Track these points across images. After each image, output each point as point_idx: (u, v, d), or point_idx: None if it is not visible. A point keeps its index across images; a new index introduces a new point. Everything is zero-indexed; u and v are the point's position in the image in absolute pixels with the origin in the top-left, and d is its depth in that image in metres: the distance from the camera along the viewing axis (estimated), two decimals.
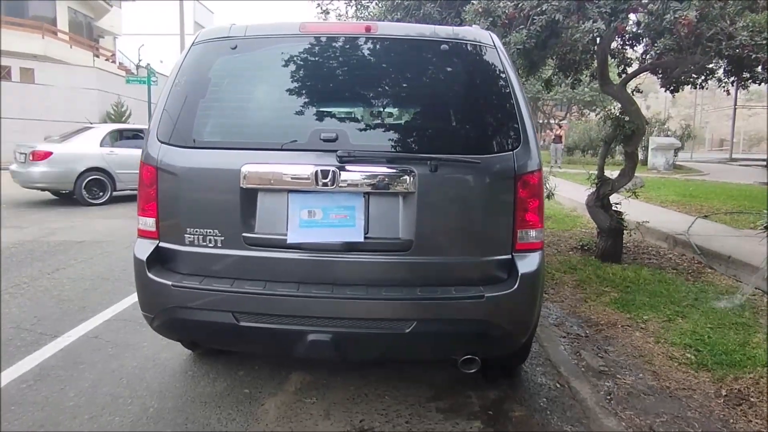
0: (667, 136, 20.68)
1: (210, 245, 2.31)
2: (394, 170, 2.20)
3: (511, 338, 2.33)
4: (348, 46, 2.42)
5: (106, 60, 25.85)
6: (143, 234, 2.46)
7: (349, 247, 2.22)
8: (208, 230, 2.30)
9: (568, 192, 10.44)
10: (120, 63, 29.32)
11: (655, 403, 2.84)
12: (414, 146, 2.28)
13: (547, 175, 8.65)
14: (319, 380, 3.02)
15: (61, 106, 18.57)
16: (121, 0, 29.94)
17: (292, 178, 2.23)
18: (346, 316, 2.18)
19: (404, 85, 2.47)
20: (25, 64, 19.16)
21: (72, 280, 4.94)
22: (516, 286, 2.20)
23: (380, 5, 5.30)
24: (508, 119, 2.29)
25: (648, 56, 5.96)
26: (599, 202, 5.80)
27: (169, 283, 2.28)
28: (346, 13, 5.57)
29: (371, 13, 5.45)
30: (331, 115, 2.34)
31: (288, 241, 2.20)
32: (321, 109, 2.34)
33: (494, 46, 2.40)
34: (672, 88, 6.34)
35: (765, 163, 20.16)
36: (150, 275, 2.32)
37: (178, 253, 2.36)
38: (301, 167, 2.20)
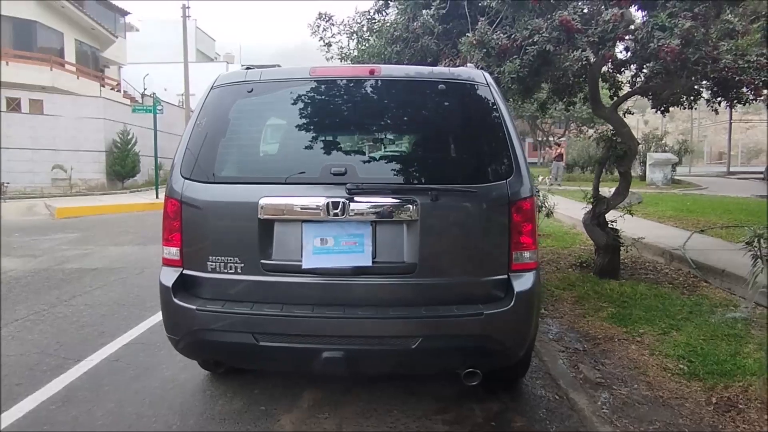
0: (665, 151, 20.96)
1: (231, 272, 2.52)
2: (398, 200, 2.42)
3: (509, 351, 2.52)
4: (354, 88, 2.67)
5: (112, 89, 26.41)
6: (168, 262, 2.67)
7: (359, 271, 2.43)
8: (229, 258, 2.51)
9: (567, 210, 10.66)
10: (125, 92, 29.91)
11: (649, 412, 3.00)
12: (416, 178, 2.52)
13: (547, 193, 8.90)
14: (331, 396, 3.20)
15: (68, 135, 18.98)
16: (126, 30, 30.70)
17: (305, 209, 2.45)
18: (357, 335, 2.39)
19: (406, 121, 2.71)
20: (34, 95, 19.63)
21: (89, 307, 5.14)
22: (512, 304, 2.40)
23: (380, 38, 5.58)
24: (501, 150, 2.51)
25: (638, 80, 6.25)
26: (596, 221, 6.01)
27: (194, 307, 2.48)
28: (348, 45, 5.86)
29: (372, 46, 5.73)
30: (340, 151, 2.58)
31: (303, 267, 2.41)
32: (331, 146, 2.59)
33: (487, 83, 2.64)
34: (662, 108, 6.61)
35: (762, 176, 20.38)
36: (176, 300, 2.53)
37: (200, 279, 2.57)
38: (313, 199, 2.43)
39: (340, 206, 2.39)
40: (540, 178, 20.77)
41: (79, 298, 5.45)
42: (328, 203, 2.40)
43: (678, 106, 6.92)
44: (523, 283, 2.47)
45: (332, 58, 6.06)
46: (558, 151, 22.57)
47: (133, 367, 3.68)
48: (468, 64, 2.85)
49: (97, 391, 3.31)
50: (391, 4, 5.53)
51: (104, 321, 4.71)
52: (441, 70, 2.71)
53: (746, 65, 5.08)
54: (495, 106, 2.57)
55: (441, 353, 2.43)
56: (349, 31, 5.55)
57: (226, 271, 2.52)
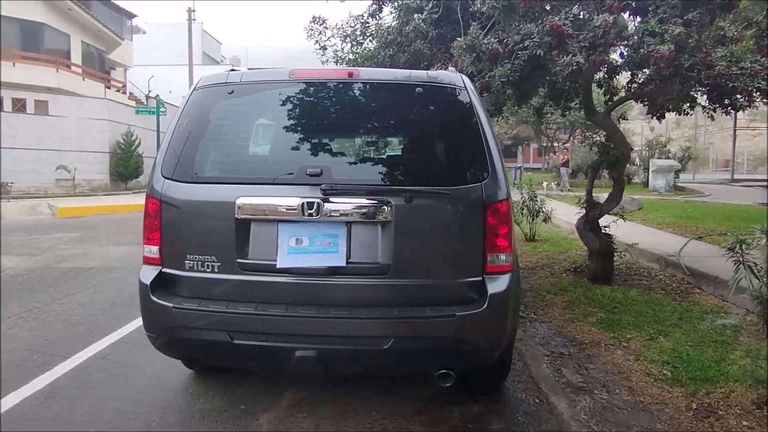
0: (668, 158, 20.89)
1: (208, 270, 2.54)
2: (373, 201, 2.44)
3: (483, 354, 2.53)
4: (332, 90, 2.70)
5: (117, 91, 26.62)
6: (148, 261, 2.71)
7: (333, 272, 2.45)
8: (206, 257, 2.54)
9: (567, 215, 10.63)
10: (130, 93, 30.13)
11: (628, 417, 3.00)
12: (391, 179, 2.54)
13: (544, 198, 8.91)
14: (312, 396, 3.21)
15: (73, 136, 19.13)
16: (132, 33, 30.96)
17: (281, 209, 2.48)
18: (329, 334, 2.41)
19: (383, 124, 2.74)
20: (40, 96, 19.83)
21: (82, 305, 5.18)
22: (485, 306, 2.41)
23: (373, 42, 5.61)
24: (477, 153, 2.53)
25: (633, 86, 6.26)
26: (588, 225, 6.00)
27: (170, 305, 2.51)
28: (342, 49, 5.90)
29: (365, 49, 5.77)
30: (317, 152, 2.61)
31: (277, 266, 2.44)
32: (308, 147, 2.61)
33: (465, 87, 2.66)
34: (658, 114, 6.61)
35: (766, 183, 20.26)
36: (153, 298, 2.56)
37: (179, 277, 2.60)
38: (289, 199, 2.45)
39: (315, 206, 2.41)
40: (545, 184, 20.79)
41: (72, 297, 5.49)
42: (303, 203, 2.42)
43: (674, 113, 6.93)
44: (497, 285, 2.48)
45: (327, 61, 6.11)
46: (565, 157, 22.52)
47: (119, 364, 3.71)
48: (450, 68, 2.87)
49: (82, 388, 3.34)
50: (385, 8, 5.57)
51: (95, 319, 4.75)
52: (420, 74, 2.73)
53: (739, 72, 5.08)
54: (472, 110, 2.59)
55: (413, 354, 2.45)
56: (342, 34, 5.59)
57: (203, 269, 2.55)
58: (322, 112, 2.68)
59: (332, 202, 2.43)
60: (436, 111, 2.68)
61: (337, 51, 5.99)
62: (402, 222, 2.44)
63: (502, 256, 2.54)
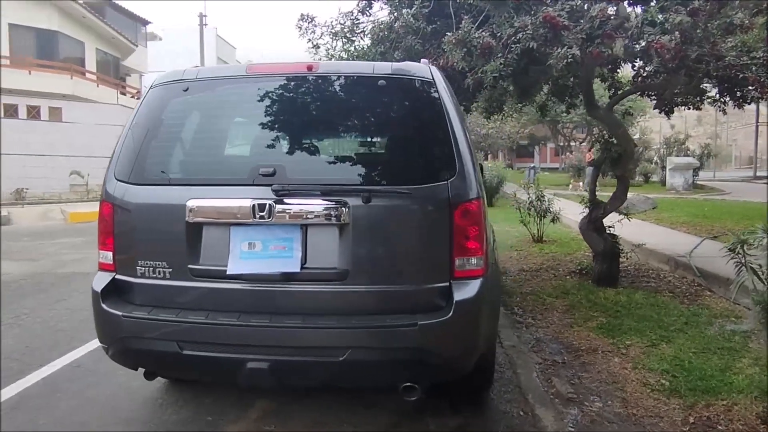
0: (686, 155, 20.31)
1: (159, 277, 2.41)
2: (327, 202, 2.27)
3: (451, 365, 2.34)
4: (291, 85, 2.54)
5: (132, 97, 26.89)
6: (102, 267, 2.58)
7: (287, 278, 2.29)
8: (158, 262, 2.40)
9: (576, 215, 10.34)
10: None
11: (617, 431, 2.78)
12: (349, 178, 2.37)
13: (552, 198, 8.63)
14: (282, 408, 3.06)
15: (86, 142, 19.35)
16: (147, 39, 31.33)
17: (232, 212, 2.32)
18: (282, 345, 2.24)
19: (342, 119, 2.57)
20: (54, 103, 20.12)
21: (70, 311, 5.12)
22: (451, 314, 2.23)
23: (365, 39, 5.46)
24: (443, 150, 2.35)
25: (638, 79, 5.99)
26: (592, 225, 5.75)
27: (120, 313, 2.38)
28: (334, 47, 5.75)
29: (357, 47, 5.61)
30: (272, 150, 2.45)
31: (227, 272, 2.28)
32: (262, 145, 2.46)
33: (432, 79, 2.48)
34: (666, 109, 6.32)
35: None
36: (104, 306, 2.44)
37: (131, 284, 2.47)
38: (240, 201, 2.30)
39: (266, 208, 2.25)
40: (570, 186, 20.33)
41: (63, 303, 5.44)
42: (254, 205, 2.26)
43: (683, 107, 6.64)
44: (466, 291, 2.29)
45: (320, 59, 5.96)
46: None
47: (92, 373, 3.61)
48: (422, 61, 2.70)
49: (50, 398, 3.25)
50: (375, 3, 5.41)
51: (80, 326, 4.66)
52: (383, 66, 2.55)
53: (751, 62, 4.81)
54: (439, 103, 2.41)
55: (372, 366, 2.26)
56: (331, 32, 5.44)
57: (155, 276, 2.41)
58: (278, 108, 2.52)
59: (285, 204, 2.27)
60: (399, 105, 2.50)
61: (329, 49, 5.84)
62: (360, 224, 2.27)
63: (473, 260, 2.35)
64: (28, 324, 4.72)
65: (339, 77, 2.54)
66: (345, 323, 2.23)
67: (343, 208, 2.26)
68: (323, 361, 2.23)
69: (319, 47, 5.95)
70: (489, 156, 38.76)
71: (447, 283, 2.30)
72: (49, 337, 4.38)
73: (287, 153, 2.45)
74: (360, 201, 2.25)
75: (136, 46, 27.50)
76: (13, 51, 20.50)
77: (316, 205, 2.28)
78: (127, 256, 2.48)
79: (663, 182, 19.44)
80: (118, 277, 2.51)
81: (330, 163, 2.47)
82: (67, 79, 21.36)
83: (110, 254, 2.54)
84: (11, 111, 19.48)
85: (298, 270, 2.27)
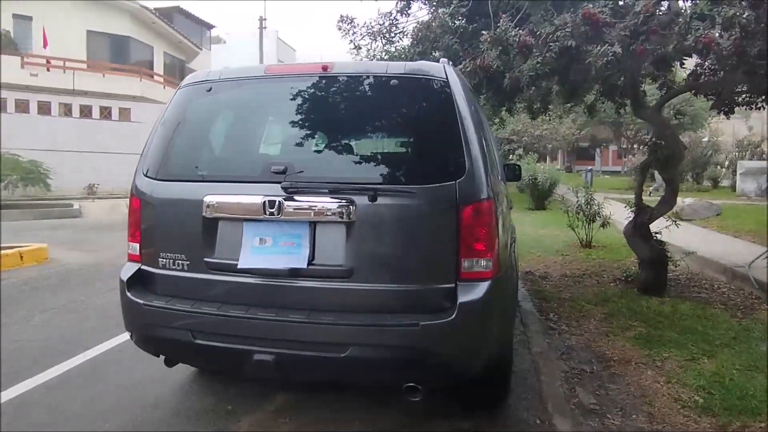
0: (762, 159, 18.94)
1: (178, 268, 2.53)
2: (335, 200, 2.31)
3: (454, 367, 2.32)
4: (306, 85, 2.60)
5: None
6: (131, 258, 2.75)
7: (294, 273, 2.34)
8: (177, 255, 2.53)
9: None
10: None
11: None
12: (357, 177, 2.39)
13: (602, 202, 8.30)
14: (300, 402, 3.13)
15: None
16: (212, 43, 32.71)
17: (245, 208, 2.41)
18: (287, 338, 2.30)
19: (354, 119, 2.60)
20: (123, 104, 21.46)
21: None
22: (454, 315, 2.21)
23: (405, 39, 5.47)
24: (452, 150, 2.32)
25: (691, 78, 5.66)
26: (638, 231, 5.49)
27: (142, 302, 2.52)
28: (374, 48, 5.81)
29: (396, 48, 5.64)
30: (284, 148, 2.52)
31: (238, 266, 2.37)
32: (276, 143, 2.53)
33: (445, 78, 2.46)
34: (725, 109, 5.94)
35: None
36: (128, 295, 2.59)
37: (154, 275, 2.62)
38: (252, 197, 2.38)
39: (276, 205, 2.32)
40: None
41: (116, 291, 5.77)
42: (264, 202, 2.34)
43: (749, 108, 6.22)
44: (471, 293, 2.26)
45: (361, 60, 6.03)
46: None
47: (131, 358, 3.76)
48: (441, 60, 2.67)
49: (90, 379, 3.47)
50: (414, 4, 5.41)
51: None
52: (397, 65, 2.57)
53: None
54: (450, 102, 2.39)
55: (374, 363, 2.27)
56: (370, 32, 5.49)
57: (174, 267, 2.54)
58: (293, 108, 2.58)
59: (295, 201, 2.33)
60: (410, 104, 2.50)
61: (369, 50, 5.90)
62: (366, 222, 2.29)
63: (482, 262, 2.31)
64: (81, 309, 5.07)
65: (352, 77, 2.57)
66: (348, 320, 2.26)
67: (350, 206, 2.28)
68: (326, 357, 2.27)
69: (360, 48, 6.02)
70: (547, 158, 37.66)
71: (453, 285, 2.28)
72: (99, 322, 4.68)
73: (299, 151, 2.51)
74: (366, 200, 2.27)
75: (201, 49, 28.77)
76: (90, 55, 22.00)
77: (324, 202, 2.32)
78: (152, 248, 2.63)
79: (733, 187, 18.24)
80: (143, 267, 2.66)
81: (339, 161, 2.51)
82: (136, 82, 22.69)
83: (137, 246, 2.69)
84: (86, 111, 20.97)
85: (305, 266, 2.32)
